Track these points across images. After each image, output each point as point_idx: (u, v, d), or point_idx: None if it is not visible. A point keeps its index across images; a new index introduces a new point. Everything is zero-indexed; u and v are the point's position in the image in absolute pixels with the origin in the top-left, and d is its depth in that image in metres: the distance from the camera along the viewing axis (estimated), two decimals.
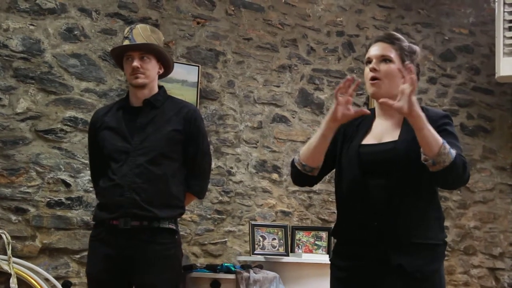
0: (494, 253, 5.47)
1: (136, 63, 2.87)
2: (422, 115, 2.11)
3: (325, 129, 2.25)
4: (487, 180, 5.55)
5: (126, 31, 2.97)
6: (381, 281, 2.21)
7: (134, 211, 2.77)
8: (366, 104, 5.12)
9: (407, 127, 2.27)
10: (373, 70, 2.30)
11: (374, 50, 2.34)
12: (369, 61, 2.35)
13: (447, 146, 2.11)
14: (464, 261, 5.37)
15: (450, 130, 2.28)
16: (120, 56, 2.95)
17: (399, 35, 2.38)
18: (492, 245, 5.48)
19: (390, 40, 2.35)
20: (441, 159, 2.10)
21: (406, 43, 2.36)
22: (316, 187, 4.74)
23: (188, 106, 3.04)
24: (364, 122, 2.42)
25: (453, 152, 2.12)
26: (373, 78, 2.31)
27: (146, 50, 2.92)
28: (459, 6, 5.69)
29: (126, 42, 2.91)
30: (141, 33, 2.92)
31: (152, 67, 2.93)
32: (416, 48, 2.38)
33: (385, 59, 2.31)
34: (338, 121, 2.23)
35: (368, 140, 2.34)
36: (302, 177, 2.37)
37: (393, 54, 2.31)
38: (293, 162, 2.38)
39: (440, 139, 2.11)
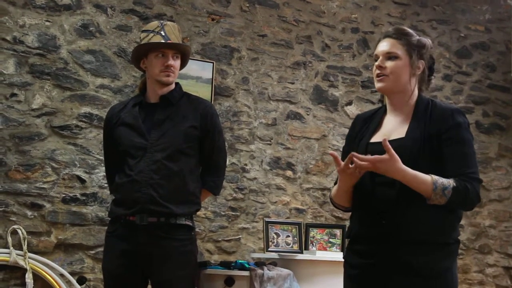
0: (510, 252, 5.43)
1: (171, 62, 2.89)
2: (400, 170, 2.13)
3: (343, 185, 2.32)
4: (503, 178, 5.51)
5: (154, 26, 2.95)
6: (391, 279, 2.21)
7: (151, 207, 2.77)
8: (381, 101, 5.08)
9: (415, 124, 2.26)
10: (379, 67, 2.31)
11: (381, 47, 2.33)
12: (376, 58, 2.35)
13: (439, 186, 2.13)
14: (479, 260, 5.33)
15: (458, 137, 2.24)
16: (143, 50, 2.94)
17: (408, 30, 2.36)
18: (507, 244, 5.44)
19: (397, 35, 2.33)
20: (436, 201, 2.16)
21: (415, 37, 2.33)
22: (331, 184, 4.73)
23: (204, 102, 3.04)
24: (375, 118, 2.41)
25: (448, 188, 2.14)
26: (379, 75, 2.31)
27: (181, 50, 2.94)
28: (475, 3, 5.65)
29: (158, 37, 2.90)
30: (173, 32, 2.93)
31: (179, 66, 2.97)
32: (426, 41, 2.35)
33: (391, 56, 2.30)
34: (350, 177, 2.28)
35: (377, 137, 2.33)
36: (345, 210, 2.47)
37: (399, 51, 2.30)
38: (331, 199, 2.45)
39: (430, 184, 2.13)
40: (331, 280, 3.89)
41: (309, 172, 4.82)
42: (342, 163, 2.22)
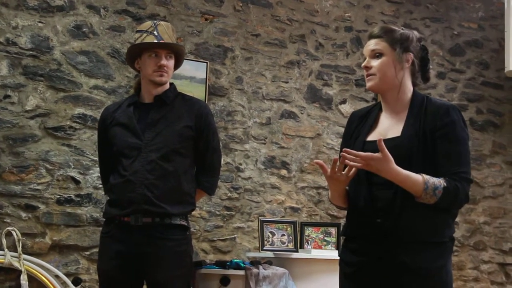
0: (504, 249, 5.45)
1: (164, 61, 2.89)
2: (393, 170, 2.14)
3: (334, 190, 2.35)
4: (497, 175, 5.53)
5: (148, 26, 2.95)
6: (386, 278, 2.22)
7: (145, 208, 2.77)
8: (375, 99, 5.10)
9: (410, 121, 2.27)
10: (365, 68, 2.35)
11: (366, 47, 2.37)
12: (365, 59, 2.38)
13: (430, 186, 2.15)
14: (474, 257, 5.35)
15: (452, 135, 2.24)
16: (137, 50, 2.94)
17: (391, 27, 2.38)
18: (502, 240, 5.46)
19: (379, 34, 2.35)
20: (425, 200, 2.18)
21: (398, 32, 2.34)
22: (325, 183, 4.73)
23: (199, 102, 3.04)
24: (370, 116, 2.42)
25: (439, 188, 2.15)
26: (367, 75, 2.35)
27: (174, 50, 2.94)
28: (468, 1, 5.66)
29: (151, 37, 2.90)
30: (166, 31, 2.93)
31: (172, 66, 2.97)
32: (409, 33, 2.36)
33: (376, 53, 2.33)
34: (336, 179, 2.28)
35: (373, 136, 2.34)
36: (345, 209, 2.47)
37: (382, 47, 2.32)
38: (330, 200, 2.48)
39: (421, 184, 2.15)
40: (326, 278, 3.90)
41: (303, 171, 4.83)
42: (329, 169, 2.24)
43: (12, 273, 3.80)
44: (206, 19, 4.64)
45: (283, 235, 4.22)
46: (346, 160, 2.17)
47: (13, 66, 3.98)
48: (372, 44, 2.35)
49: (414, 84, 2.38)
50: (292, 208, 4.75)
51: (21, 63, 4.00)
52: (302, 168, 4.82)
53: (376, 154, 2.14)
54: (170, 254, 2.79)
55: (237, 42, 4.71)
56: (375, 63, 2.32)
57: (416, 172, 2.18)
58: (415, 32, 2.39)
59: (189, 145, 2.91)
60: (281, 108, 4.82)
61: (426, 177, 2.16)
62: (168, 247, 2.79)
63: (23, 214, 3.91)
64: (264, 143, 4.73)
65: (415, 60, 2.35)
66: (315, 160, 2.31)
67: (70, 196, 4.04)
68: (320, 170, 4.80)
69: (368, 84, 2.35)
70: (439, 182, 2.17)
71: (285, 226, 4.25)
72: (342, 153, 2.18)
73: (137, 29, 3.04)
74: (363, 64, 2.36)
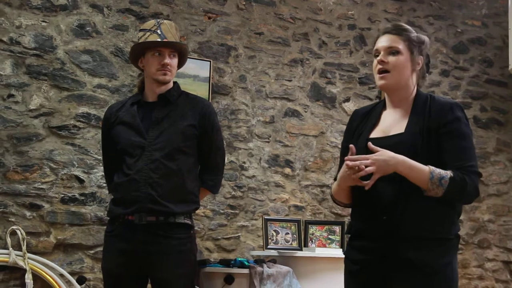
0: (509, 246, 5.44)
1: (167, 60, 2.89)
2: (398, 157, 2.14)
3: (342, 184, 2.31)
4: (501, 173, 5.52)
5: (151, 24, 2.95)
6: (391, 275, 2.22)
7: (150, 206, 2.77)
8: (378, 97, 5.10)
9: (414, 118, 2.26)
10: (381, 62, 2.30)
11: (382, 42, 2.33)
12: (377, 53, 2.34)
13: (436, 176, 2.14)
14: (479, 255, 5.34)
15: (457, 131, 2.25)
16: (140, 49, 2.94)
17: (406, 26, 2.37)
18: (506, 238, 5.45)
19: (397, 31, 2.33)
20: (433, 192, 2.17)
21: (414, 33, 2.35)
22: (329, 181, 4.73)
23: (202, 101, 3.05)
24: (373, 113, 2.41)
25: (445, 178, 2.14)
26: (381, 71, 2.30)
27: (177, 49, 2.94)
28: None
29: (154, 36, 2.90)
30: (169, 30, 2.93)
31: (176, 65, 2.97)
32: (424, 38, 2.37)
33: (393, 51, 2.30)
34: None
35: (376, 133, 2.33)
36: (345, 206, 2.47)
37: (401, 46, 2.30)
38: (331, 195, 2.44)
39: (427, 173, 2.14)
40: (330, 277, 3.89)
41: (307, 169, 4.82)
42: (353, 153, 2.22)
43: (17, 272, 3.80)
44: (209, 18, 4.64)
45: (287, 233, 4.22)
46: (354, 173, 2.16)
47: (17, 65, 3.99)
48: (389, 41, 2.32)
49: (418, 86, 2.38)
50: (296, 206, 4.75)
51: (24, 62, 4.01)
52: (306, 167, 4.82)
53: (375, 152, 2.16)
54: (174, 253, 2.79)
55: (240, 40, 4.71)
56: (391, 59, 2.30)
57: None
58: (427, 37, 2.39)
59: (193, 143, 2.91)
60: (284, 106, 4.82)
61: (432, 167, 2.16)
62: (172, 246, 2.79)
63: (28, 213, 3.91)
64: (268, 142, 4.73)
65: (423, 64, 2.36)
66: (350, 145, 2.27)
67: (74, 195, 4.05)
68: (323, 168, 4.83)
69: (381, 82, 2.31)
70: (445, 172, 2.17)
71: (289, 225, 4.25)
72: (346, 162, 2.18)
73: (141, 28, 3.05)
74: (378, 58, 2.31)
